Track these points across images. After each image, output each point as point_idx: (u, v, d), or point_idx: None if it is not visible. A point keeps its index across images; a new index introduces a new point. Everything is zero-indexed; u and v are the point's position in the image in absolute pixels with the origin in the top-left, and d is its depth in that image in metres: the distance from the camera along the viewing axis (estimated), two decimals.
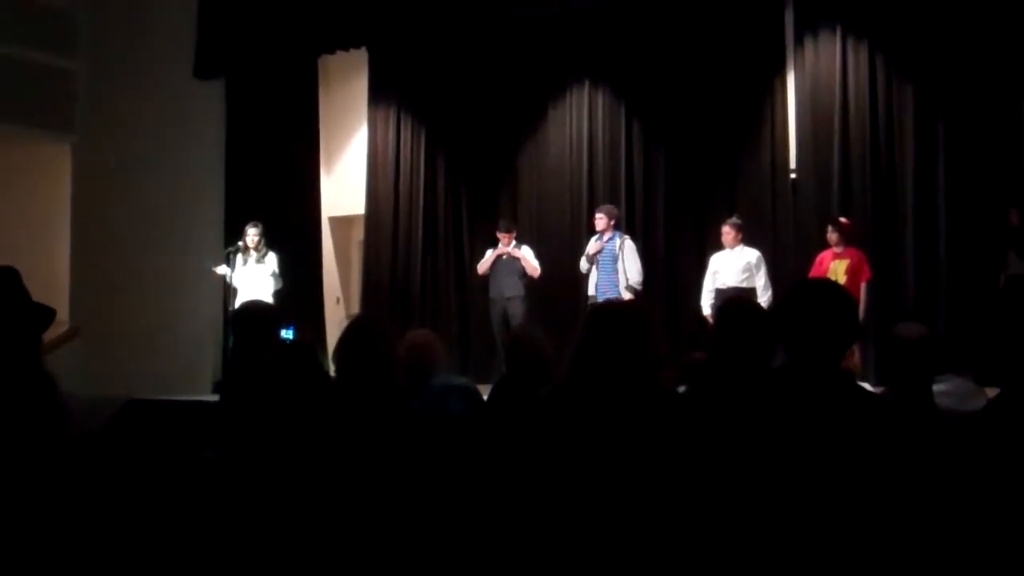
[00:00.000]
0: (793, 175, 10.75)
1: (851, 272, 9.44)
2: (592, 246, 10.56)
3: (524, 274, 11.09)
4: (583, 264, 10.57)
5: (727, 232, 10.16)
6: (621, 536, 2.98)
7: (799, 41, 10.72)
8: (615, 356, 3.23)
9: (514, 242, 11.24)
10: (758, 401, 2.91)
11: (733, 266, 10.11)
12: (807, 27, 10.65)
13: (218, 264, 11.06)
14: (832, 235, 9.63)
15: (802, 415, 2.80)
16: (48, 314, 3.05)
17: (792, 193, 10.73)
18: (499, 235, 11.27)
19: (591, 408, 3.18)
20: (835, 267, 9.51)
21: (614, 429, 3.11)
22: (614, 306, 3.76)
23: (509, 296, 11.03)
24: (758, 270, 10.02)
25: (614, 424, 3.12)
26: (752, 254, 10.11)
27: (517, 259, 11.09)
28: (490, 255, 11.30)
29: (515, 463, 3.41)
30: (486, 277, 11.35)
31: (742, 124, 11.06)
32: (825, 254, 9.69)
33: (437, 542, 3.45)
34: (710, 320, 10.08)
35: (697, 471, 2.91)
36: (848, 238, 9.61)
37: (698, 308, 10.39)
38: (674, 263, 11.46)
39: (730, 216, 10.44)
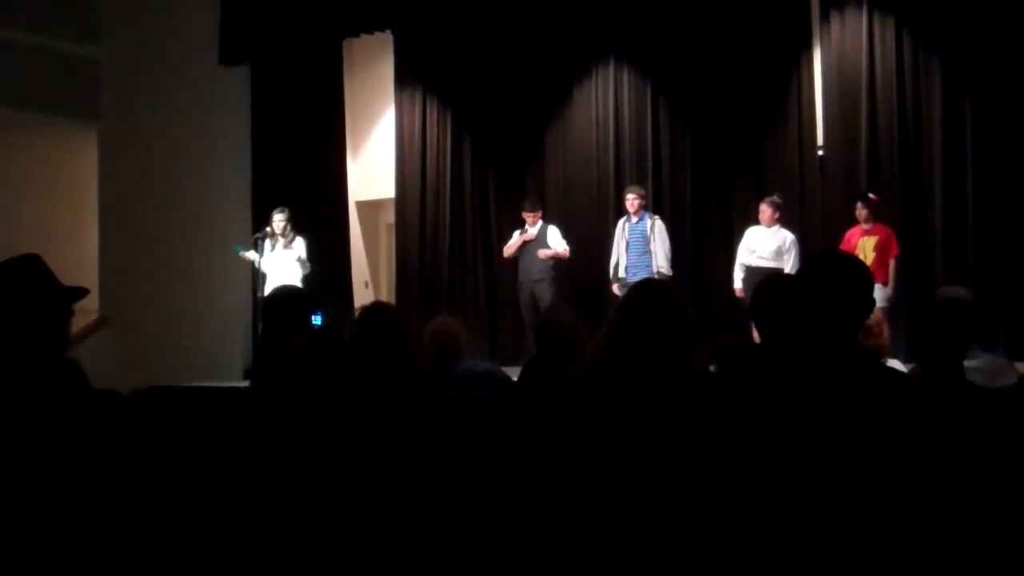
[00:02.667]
0: (820, 151, 10.69)
1: (880, 248, 9.40)
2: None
3: (551, 256, 11.08)
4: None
5: (764, 210, 10.10)
6: (652, 519, 2.97)
7: (825, 16, 10.63)
8: (649, 336, 3.23)
9: (540, 222, 11.22)
10: (785, 383, 2.89)
11: (767, 246, 10.05)
12: (833, 2, 10.57)
13: (246, 246, 11.07)
14: (860, 211, 9.57)
15: (828, 397, 2.78)
16: (78, 292, 3.06)
17: (820, 169, 10.67)
18: (524, 214, 11.26)
19: (625, 389, 3.17)
20: (863, 243, 9.45)
21: (647, 412, 3.10)
22: (649, 286, 3.75)
23: (536, 279, 11.02)
24: (789, 254, 9.96)
25: (647, 407, 3.11)
26: (787, 236, 10.05)
27: (544, 240, 11.08)
28: (517, 239, 11.29)
29: (547, 446, 3.41)
30: (514, 259, 11.34)
31: (769, 100, 10.97)
32: (853, 231, 9.63)
33: (466, 527, 3.45)
34: (738, 293, 10.08)
35: (728, 454, 2.90)
36: (876, 214, 9.55)
37: (726, 286, 10.37)
38: (702, 241, 11.40)
39: (763, 193, 10.40)
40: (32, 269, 2.96)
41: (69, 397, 2.81)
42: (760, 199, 10.32)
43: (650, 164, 11.55)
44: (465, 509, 3.51)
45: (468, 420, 4.35)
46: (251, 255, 10.93)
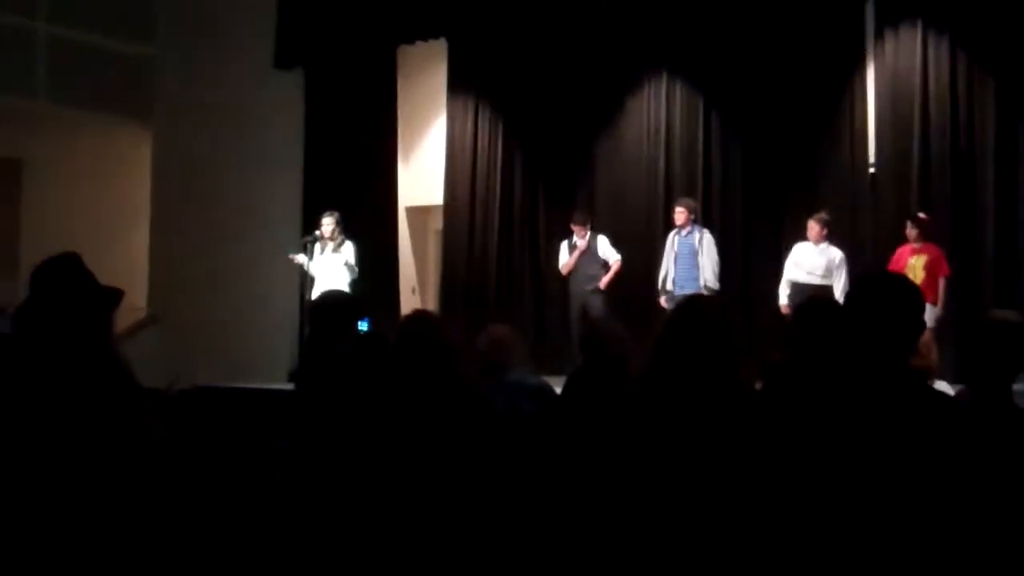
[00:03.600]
0: (872, 170, 10.60)
1: (929, 268, 9.30)
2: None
3: (604, 266, 11.04)
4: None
5: (812, 227, 10.00)
6: (694, 533, 2.96)
7: (879, 34, 10.56)
8: (696, 352, 3.22)
9: (589, 233, 11.19)
10: (831, 403, 2.87)
11: (815, 262, 9.96)
12: (888, 20, 10.50)
13: (297, 249, 11.07)
14: (911, 231, 9.48)
15: (873, 418, 2.76)
16: (115, 295, 3.09)
17: (871, 188, 10.58)
18: (573, 227, 11.24)
19: (672, 405, 3.17)
20: (913, 263, 9.36)
21: (695, 426, 3.09)
22: (696, 302, 3.75)
23: (589, 289, 10.98)
24: (839, 272, 9.87)
25: (695, 421, 3.10)
26: (836, 254, 9.96)
27: (595, 252, 11.05)
28: (572, 255, 11.20)
29: (591, 458, 3.41)
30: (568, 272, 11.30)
31: (821, 118, 10.92)
32: (903, 249, 9.54)
33: (506, 536, 3.46)
34: (784, 310, 10.01)
35: (772, 471, 2.89)
36: (927, 234, 9.46)
37: (775, 301, 10.30)
38: (750, 258, 11.35)
39: (814, 210, 10.27)
40: (70, 268, 2.99)
41: (107, 394, 2.83)
42: (811, 216, 10.25)
43: (700, 178, 11.51)
44: (506, 518, 3.51)
45: (512, 429, 4.36)
46: (300, 258, 10.94)
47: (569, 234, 11.33)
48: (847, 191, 10.73)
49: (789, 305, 9.94)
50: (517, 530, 3.46)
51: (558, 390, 5.53)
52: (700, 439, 3.07)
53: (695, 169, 11.56)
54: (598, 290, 10.99)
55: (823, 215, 10.09)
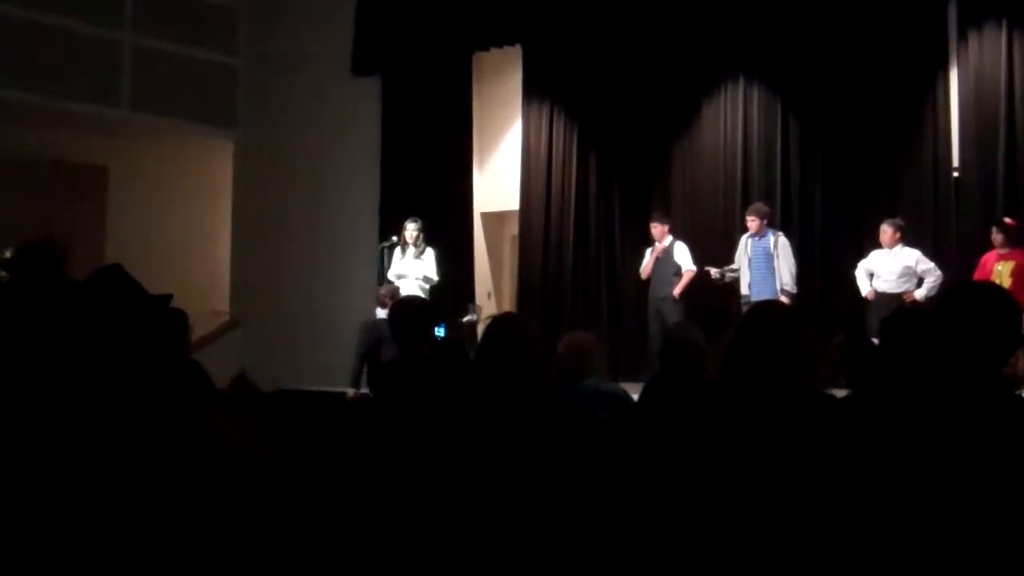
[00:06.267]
0: (956, 173, 10.39)
1: (1017, 274, 9.07)
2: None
3: (678, 273, 10.95)
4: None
5: (885, 231, 9.89)
6: (770, 542, 2.94)
7: (962, 35, 10.34)
8: (767, 359, 3.19)
9: (669, 237, 11.11)
10: (915, 412, 2.82)
11: (890, 268, 9.84)
12: (971, 20, 10.27)
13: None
14: (996, 236, 9.29)
15: (960, 428, 2.70)
16: (164, 299, 3.14)
17: (955, 192, 10.38)
18: (651, 226, 11.16)
19: (741, 412, 3.14)
20: (1000, 269, 9.16)
21: (765, 434, 3.06)
22: (767, 308, 3.72)
23: (663, 296, 10.91)
24: (923, 270, 9.74)
25: (765, 429, 3.07)
26: (912, 255, 9.82)
27: (671, 257, 10.97)
28: (649, 258, 11.18)
29: (664, 464, 3.39)
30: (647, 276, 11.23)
31: (902, 120, 10.74)
32: (989, 255, 9.35)
33: (579, 539, 3.45)
34: (870, 296, 9.97)
35: (847, 480, 2.85)
36: (1013, 239, 9.26)
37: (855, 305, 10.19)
38: (830, 262, 11.19)
39: (890, 215, 10.15)
40: (116, 279, 3.06)
41: (154, 401, 2.86)
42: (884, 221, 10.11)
43: (779, 181, 11.38)
44: (579, 524, 3.51)
45: (586, 436, 4.36)
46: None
47: (647, 239, 11.27)
48: (929, 195, 10.53)
49: (874, 290, 9.94)
50: (590, 535, 3.46)
51: (634, 396, 5.52)
52: (770, 445, 3.04)
53: (773, 173, 11.44)
54: (672, 298, 10.89)
55: (897, 220, 9.97)
